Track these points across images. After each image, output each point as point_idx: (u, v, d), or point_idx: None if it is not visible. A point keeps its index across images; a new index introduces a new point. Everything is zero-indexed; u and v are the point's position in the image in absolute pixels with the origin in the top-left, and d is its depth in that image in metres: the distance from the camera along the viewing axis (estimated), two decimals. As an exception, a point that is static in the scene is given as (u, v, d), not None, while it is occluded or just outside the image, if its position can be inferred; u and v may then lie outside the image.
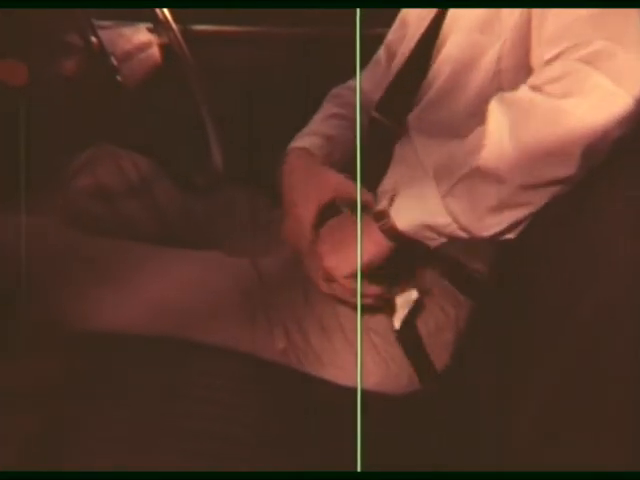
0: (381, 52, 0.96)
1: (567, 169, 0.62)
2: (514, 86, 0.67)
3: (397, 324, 0.76)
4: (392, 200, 0.69)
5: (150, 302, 0.78)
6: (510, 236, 0.68)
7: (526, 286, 0.74)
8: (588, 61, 0.62)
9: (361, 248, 0.68)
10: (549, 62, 0.65)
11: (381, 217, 0.69)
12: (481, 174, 0.64)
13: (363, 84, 0.91)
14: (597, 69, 0.61)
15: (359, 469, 0.58)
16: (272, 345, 0.77)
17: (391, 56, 0.93)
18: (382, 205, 0.70)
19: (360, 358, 0.73)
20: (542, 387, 0.66)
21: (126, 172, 0.97)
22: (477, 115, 0.67)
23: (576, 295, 0.66)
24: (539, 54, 0.68)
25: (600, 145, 0.61)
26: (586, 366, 0.62)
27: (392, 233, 0.69)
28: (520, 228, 0.68)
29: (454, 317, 0.77)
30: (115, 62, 0.84)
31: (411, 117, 0.79)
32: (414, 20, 0.88)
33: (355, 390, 0.76)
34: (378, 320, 0.76)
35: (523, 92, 0.65)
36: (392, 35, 0.95)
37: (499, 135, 0.63)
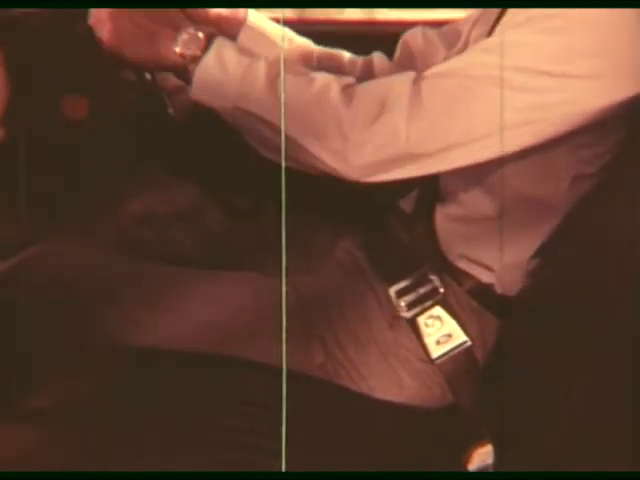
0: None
1: None
2: None
3: (433, 352, 0.76)
4: None
5: (193, 321, 0.80)
6: None
7: (554, 307, 0.75)
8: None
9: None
10: None
11: None
12: None
13: None
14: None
15: (283, 469, 0.59)
16: (309, 359, 0.78)
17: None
18: None
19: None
20: (574, 403, 0.67)
21: (173, 199, 1.00)
22: None
23: (605, 315, 0.67)
24: None
25: None
26: (617, 384, 0.62)
27: None
28: None
29: (480, 337, 0.77)
30: (167, 96, 0.86)
31: None
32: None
33: (390, 403, 0.77)
34: (408, 338, 0.77)
35: None
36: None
37: None
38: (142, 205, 0.98)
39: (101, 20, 0.75)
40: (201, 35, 0.74)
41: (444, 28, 0.94)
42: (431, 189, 0.82)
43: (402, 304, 0.78)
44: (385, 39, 0.98)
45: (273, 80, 0.72)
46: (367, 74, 0.93)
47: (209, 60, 0.73)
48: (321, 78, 0.73)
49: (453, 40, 0.90)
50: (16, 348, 0.75)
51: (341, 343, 0.78)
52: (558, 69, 0.66)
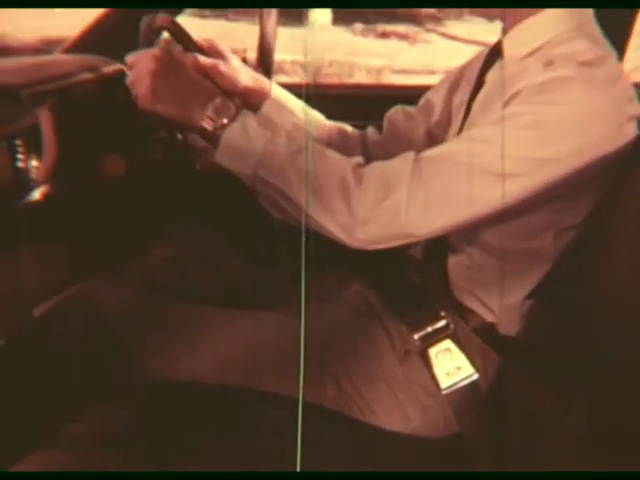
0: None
1: None
2: None
3: (442, 382, 0.81)
4: None
5: (215, 357, 0.83)
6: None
7: (554, 346, 0.80)
8: None
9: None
10: None
11: None
12: None
13: None
14: None
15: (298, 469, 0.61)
16: (323, 393, 0.81)
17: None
18: None
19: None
20: (573, 437, 0.71)
21: (197, 244, 1.06)
22: None
23: (605, 355, 0.72)
24: None
25: None
26: (615, 419, 0.67)
27: None
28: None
29: (483, 371, 0.82)
30: (195, 154, 0.93)
31: None
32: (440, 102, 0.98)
33: (399, 434, 0.81)
34: (418, 371, 0.82)
35: None
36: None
37: None
38: (168, 250, 1.04)
39: (140, 78, 0.80)
40: (231, 105, 0.80)
41: (420, 103, 1.03)
42: (440, 240, 0.86)
43: (415, 337, 0.82)
44: (389, 101, 1.08)
45: (292, 154, 0.77)
46: (363, 146, 1.03)
47: (235, 129, 0.79)
48: (335, 157, 0.79)
49: (429, 112, 1.00)
50: (55, 380, 0.79)
51: (353, 379, 0.82)
52: (536, 155, 0.72)
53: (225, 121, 0.79)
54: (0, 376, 0.78)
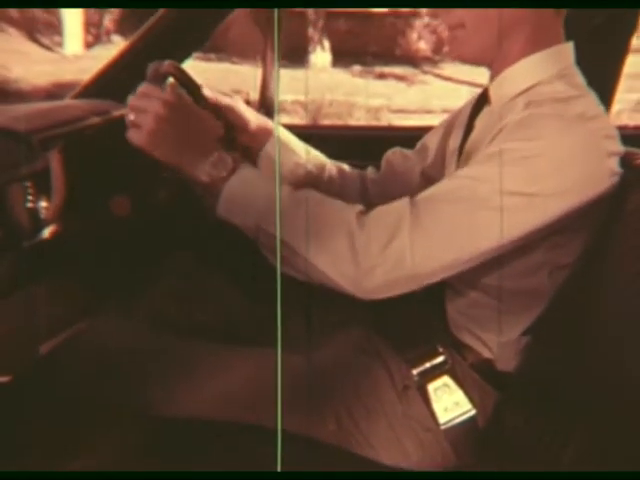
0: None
1: None
2: None
3: (441, 417, 0.81)
4: None
5: (213, 392, 0.83)
6: None
7: (551, 381, 0.80)
8: None
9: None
10: None
11: None
12: None
13: None
14: None
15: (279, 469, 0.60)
16: (323, 427, 0.82)
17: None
18: None
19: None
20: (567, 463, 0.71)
21: (200, 280, 1.07)
22: None
23: (603, 390, 0.72)
24: None
25: None
26: (613, 454, 0.67)
27: None
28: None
29: (481, 406, 0.83)
30: (199, 193, 0.89)
31: None
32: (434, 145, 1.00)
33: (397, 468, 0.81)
34: (417, 407, 0.82)
35: None
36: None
37: None
38: (172, 286, 1.05)
39: (144, 118, 0.78)
40: (228, 159, 0.80)
41: (417, 146, 1.06)
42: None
43: (414, 373, 0.83)
44: (388, 141, 1.11)
45: (294, 206, 0.77)
46: (362, 184, 1.06)
47: (235, 182, 0.79)
48: (337, 205, 0.79)
49: (424, 154, 1.03)
50: (60, 417, 0.80)
51: (352, 414, 0.82)
52: (529, 190, 0.74)
53: (224, 174, 0.80)
54: (7, 412, 0.79)
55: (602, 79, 0.88)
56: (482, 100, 0.90)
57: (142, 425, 0.82)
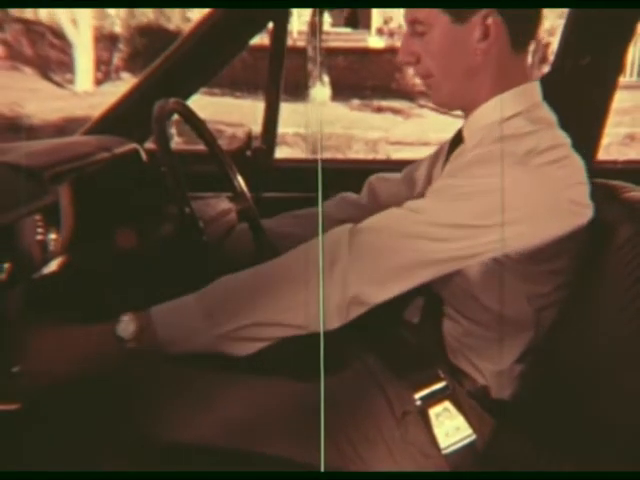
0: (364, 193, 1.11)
1: None
2: None
3: (442, 442, 0.82)
4: None
5: (226, 421, 0.83)
6: None
7: (546, 407, 0.81)
8: None
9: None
10: None
11: None
12: None
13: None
14: None
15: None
16: (325, 454, 0.81)
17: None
18: None
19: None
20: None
21: None
22: None
23: (595, 416, 0.73)
24: None
25: None
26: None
27: None
28: None
29: (479, 431, 0.84)
30: (202, 226, 0.95)
31: None
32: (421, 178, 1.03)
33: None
34: (416, 433, 0.83)
35: None
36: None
37: None
38: None
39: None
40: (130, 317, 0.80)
41: (403, 175, 1.09)
42: (436, 301, 0.90)
43: (416, 397, 0.84)
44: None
45: (239, 287, 0.81)
46: (353, 210, 1.09)
47: (159, 319, 0.78)
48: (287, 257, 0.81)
49: (412, 185, 1.05)
50: (66, 445, 0.81)
51: (352, 441, 0.83)
52: (470, 223, 0.77)
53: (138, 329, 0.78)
54: (15, 439, 0.80)
55: (592, 116, 0.90)
56: (458, 138, 0.93)
57: (145, 453, 0.82)
